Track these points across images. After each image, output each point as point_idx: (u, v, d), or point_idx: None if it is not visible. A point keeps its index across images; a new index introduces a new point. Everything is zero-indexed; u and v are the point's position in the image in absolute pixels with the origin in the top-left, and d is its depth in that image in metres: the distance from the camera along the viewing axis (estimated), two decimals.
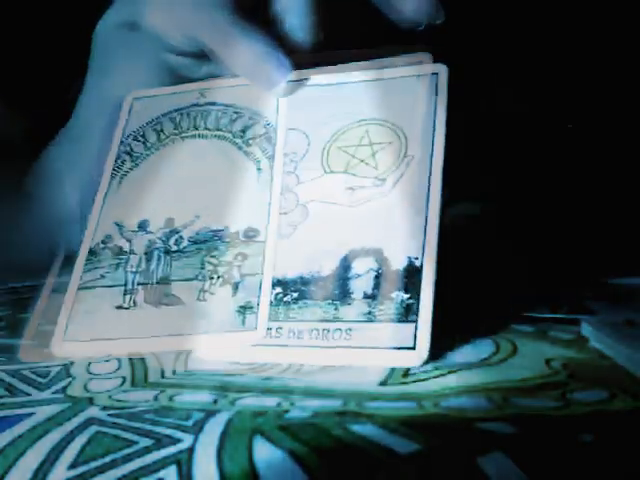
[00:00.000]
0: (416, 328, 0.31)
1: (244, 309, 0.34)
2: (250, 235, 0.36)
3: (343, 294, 0.33)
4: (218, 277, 0.35)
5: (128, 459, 0.25)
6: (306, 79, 0.39)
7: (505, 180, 0.61)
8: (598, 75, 0.63)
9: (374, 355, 0.31)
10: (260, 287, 0.34)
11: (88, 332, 0.36)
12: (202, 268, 0.36)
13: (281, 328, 0.33)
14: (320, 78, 0.39)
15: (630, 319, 0.33)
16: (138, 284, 0.36)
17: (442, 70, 0.36)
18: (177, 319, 0.35)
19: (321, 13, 0.41)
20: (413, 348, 0.31)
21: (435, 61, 0.37)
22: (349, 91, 0.38)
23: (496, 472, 0.22)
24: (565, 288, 0.42)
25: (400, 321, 0.31)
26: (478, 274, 0.43)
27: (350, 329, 0.32)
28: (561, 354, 0.31)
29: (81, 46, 0.49)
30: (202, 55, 0.42)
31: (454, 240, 0.44)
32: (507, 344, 0.32)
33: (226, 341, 0.34)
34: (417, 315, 0.31)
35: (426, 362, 0.30)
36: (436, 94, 0.36)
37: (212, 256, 0.36)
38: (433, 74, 0.36)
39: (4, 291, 0.48)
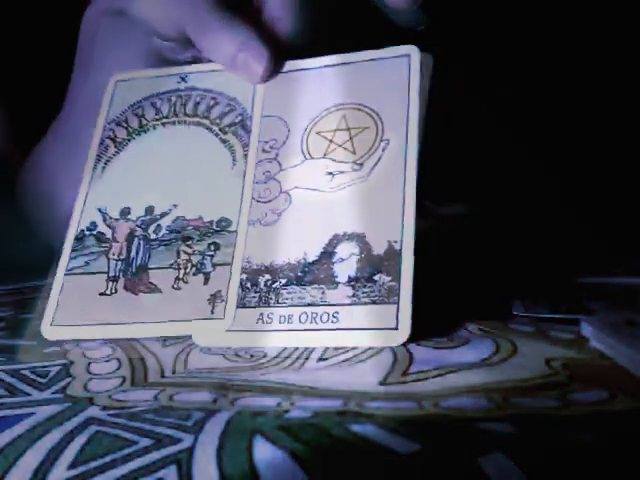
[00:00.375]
0: (398, 309, 0.32)
1: (214, 298, 0.35)
2: (223, 225, 0.37)
3: (329, 278, 0.34)
4: (192, 266, 0.36)
5: (128, 459, 0.25)
6: (282, 65, 0.39)
7: (500, 180, 0.61)
8: (590, 76, 0.63)
9: (359, 336, 0.32)
10: (230, 277, 0.35)
11: (74, 317, 0.37)
12: (177, 257, 0.37)
13: (272, 314, 0.34)
14: (295, 64, 0.39)
15: (630, 319, 0.33)
16: (120, 271, 0.37)
17: (414, 51, 0.37)
18: (154, 306, 0.36)
19: (304, 6, 0.41)
20: (396, 328, 0.32)
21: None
22: (324, 75, 0.38)
23: (496, 472, 0.22)
24: (559, 286, 0.42)
25: (383, 303, 0.32)
26: (468, 268, 0.43)
27: (337, 312, 0.33)
28: (561, 354, 0.31)
29: (68, 36, 0.49)
30: (188, 41, 0.42)
31: (447, 238, 0.45)
32: (507, 344, 0.32)
33: (195, 329, 0.35)
34: (399, 297, 0.32)
35: (408, 341, 0.32)
36: (409, 76, 0.36)
37: (187, 245, 0.37)
38: (405, 56, 0.37)
39: (6, 292, 0.48)
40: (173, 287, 0.36)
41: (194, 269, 0.36)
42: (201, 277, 0.36)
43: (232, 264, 0.36)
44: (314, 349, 0.34)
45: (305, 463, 0.23)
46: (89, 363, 0.35)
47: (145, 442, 0.26)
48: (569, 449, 0.23)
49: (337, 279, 0.34)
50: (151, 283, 0.36)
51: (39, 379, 0.33)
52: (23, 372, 0.33)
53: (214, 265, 0.36)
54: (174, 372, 0.33)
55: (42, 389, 0.31)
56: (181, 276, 0.36)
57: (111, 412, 0.28)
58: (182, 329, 0.35)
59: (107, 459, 0.25)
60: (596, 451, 0.23)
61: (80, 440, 0.26)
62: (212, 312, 0.35)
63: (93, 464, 0.25)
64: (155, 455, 0.25)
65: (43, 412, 0.29)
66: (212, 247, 0.36)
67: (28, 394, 0.31)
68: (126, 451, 0.25)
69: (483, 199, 0.59)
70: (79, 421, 0.28)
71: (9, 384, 0.32)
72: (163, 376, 0.32)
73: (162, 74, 0.43)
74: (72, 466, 0.25)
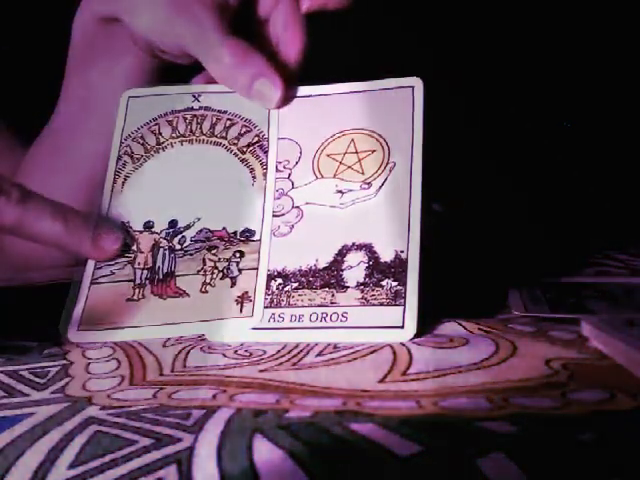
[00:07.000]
0: (404, 310, 0.34)
1: (242, 298, 0.37)
2: (247, 235, 0.39)
3: (338, 283, 0.36)
4: (219, 272, 0.38)
5: (128, 459, 0.25)
6: (294, 91, 0.42)
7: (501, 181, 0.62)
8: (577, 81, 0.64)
9: (368, 334, 0.35)
10: (256, 280, 0.38)
11: (101, 322, 0.38)
12: (204, 264, 0.39)
13: (283, 313, 0.36)
14: (307, 89, 0.42)
15: (630, 319, 0.33)
16: (146, 279, 0.39)
17: (418, 83, 0.39)
18: (182, 309, 0.38)
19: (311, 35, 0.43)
20: (402, 327, 0.34)
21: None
22: (334, 102, 0.41)
23: (496, 472, 0.22)
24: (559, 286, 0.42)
25: (390, 304, 0.35)
26: (468, 267, 0.44)
27: (346, 312, 0.35)
28: (561, 354, 0.31)
29: (57, 39, 0.49)
30: (190, 56, 0.42)
31: (447, 238, 0.45)
32: (507, 344, 0.32)
33: (226, 326, 0.37)
34: (405, 299, 0.35)
35: (414, 338, 0.34)
36: (413, 105, 0.39)
37: (213, 254, 0.39)
38: (409, 87, 0.39)
39: None
40: (201, 291, 0.38)
41: (220, 274, 0.38)
42: (228, 281, 0.38)
43: (258, 268, 0.38)
44: (312, 348, 0.34)
45: (304, 462, 0.23)
46: (88, 363, 0.35)
47: (145, 442, 0.25)
48: (569, 449, 0.23)
49: (346, 284, 0.36)
50: (178, 288, 0.39)
51: (38, 379, 0.32)
52: (21, 372, 0.33)
53: (240, 270, 0.38)
54: (173, 370, 0.33)
55: (41, 389, 0.31)
56: (208, 281, 0.38)
57: (110, 411, 0.28)
58: (211, 327, 0.37)
59: (107, 459, 0.25)
60: (596, 451, 0.23)
61: (80, 440, 0.26)
62: (241, 311, 0.37)
63: (93, 464, 0.25)
64: (155, 455, 0.25)
65: (43, 412, 0.29)
66: (237, 254, 0.39)
67: (27, 394, 0.31)
68: (126, 451, 0.25)
69: (485, 201, 0.59)
70: (79, 421, 0.28)
71: (8, 385, 0.32)
72: (162, 374, 0.32)
73: (175, 92, 0.44)
74: (72, 466, 0.25)
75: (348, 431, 0.25)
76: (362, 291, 0.36)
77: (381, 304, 0.35)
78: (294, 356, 0.33)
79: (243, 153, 0.41)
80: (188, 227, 0.40)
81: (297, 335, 0.35)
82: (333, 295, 0.36)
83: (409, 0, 0.66)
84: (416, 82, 0.39)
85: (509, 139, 0.67)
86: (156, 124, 0.43)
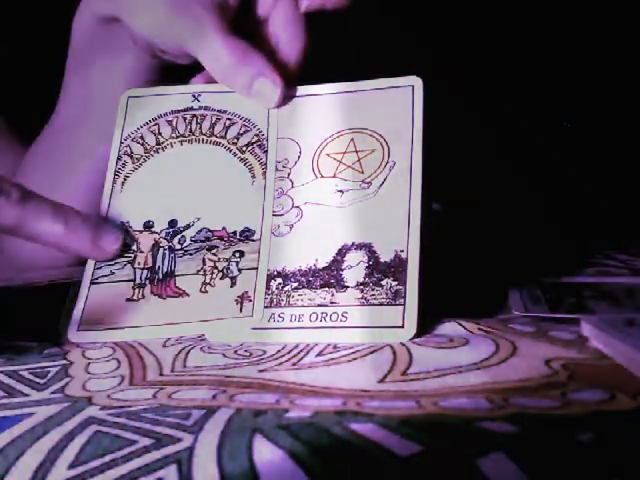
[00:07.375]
0: (404, 310, 0.34)
1: (241, 298, 0.37)
2: (246, 235, 0.39)
3: (338, 282, 0.36)
4: (218, 272, 0.39)
5: (128, 459, 0.25)
6: (294, 90, 0.42)
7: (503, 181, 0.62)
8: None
9: (367, 334, 0.35)
10: (256, 280, 0.38)
11: (101, 322, 0.38)
12: (203, 264, 0.39)
13: (283, 313, 0.36)
14: (306, 89, 0.42)
15: (630, 319, 0.33)
16: (146, 279, 0.39)
17: (417, 83, 0.39)
18: (182, 309, 0.38)
19: (311, 34, 0.43)
20: (402, 327, 0.34)
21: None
22: (334, 101, 0.41)
23: (496, 472, 0.22)
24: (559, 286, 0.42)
25: (390, 304, 0.35)
26: (468, 267, 0.44)
27: (346, 312, 0.35)
28: (561, 354, 0.31)
29: (57, 39, 0.49)
30: (190, 56, 0.43)
31: (448, 238, 0.45)
32: (507, 344, 0.32)
33: (226, 326, 0.37)
34: (404, 299, 0.35)
35: (413, 337, 0.34)
36: (413, 104, 0.39)
37: (212, 253, 0.39)
38: (409, 86, 0.39)
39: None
40: (200, 291, 0.38)
41: (220, 274, 0.39)
42: (227, 281, 0.38)
43: (258, 267, 0.38)
44: (312, 348, 0.34)
45: (304, 462, 0.23)
46: (88, 363, 0.35)
47: (145, 442, 0.26)
48: (569, 449, 0.23)
49: (346, 283, 0.36)
50: (178, 288, 0.39)
51: (37, 379, 0.32)
52: (21, 372, 0.33)
53: (240, 270, 0.38)
54: (173, 370, 0.33)
55: (41, 389, 0.31)
56: (208, 281, 0.39)
57: (110, 411, 0.28)
58: (211, 327, 0.37)
59: (107, 459, 0.25)
60: (596, 451, 0.23)
61: (80, 440, 0.26)
62: (240, 311, 0.37)
63: (93, 464, 0.25)
64: (155, 455, 0.25)
65: (43, 412, 0.29)
66: (237, 254, 0.39)
67: (27, 395, 0.31)
68: (126, 451, 0.25)
69: (485, 200, 0.59)
70: (79, 421, 0.28)
71: (8, 385, 0.32)
72: (162, 374, 0.32)
73: (174, 92, 0.44)
74: (72, 466, 0.25)
75: (348, 431, 0.25)
76: (362, 291, 0.36)
77: (381, 304, 0.35)
78: (294, 356, 0.33)
79: (243, 153, 0.41)
80: (188, 227, 0.40)
81: (297, 335, 0.35)
82: (333, 295, 0.36)
83: (408, 0, 0.66)
84: (416, 81, 0.39)
85: (509, 139, 0.67)
86: (156, 124, 0.43)
